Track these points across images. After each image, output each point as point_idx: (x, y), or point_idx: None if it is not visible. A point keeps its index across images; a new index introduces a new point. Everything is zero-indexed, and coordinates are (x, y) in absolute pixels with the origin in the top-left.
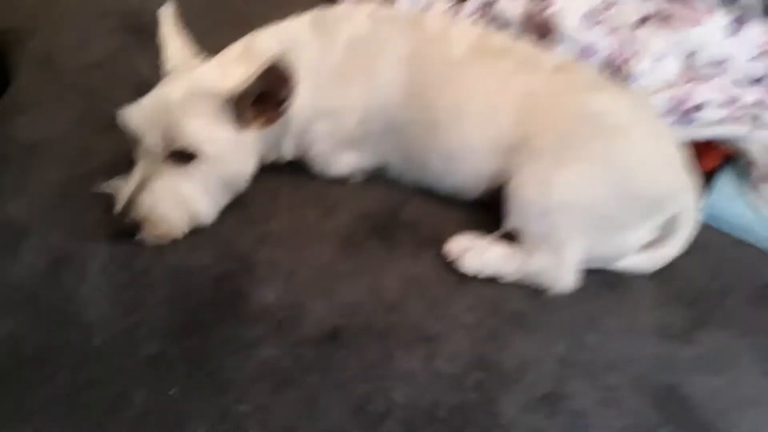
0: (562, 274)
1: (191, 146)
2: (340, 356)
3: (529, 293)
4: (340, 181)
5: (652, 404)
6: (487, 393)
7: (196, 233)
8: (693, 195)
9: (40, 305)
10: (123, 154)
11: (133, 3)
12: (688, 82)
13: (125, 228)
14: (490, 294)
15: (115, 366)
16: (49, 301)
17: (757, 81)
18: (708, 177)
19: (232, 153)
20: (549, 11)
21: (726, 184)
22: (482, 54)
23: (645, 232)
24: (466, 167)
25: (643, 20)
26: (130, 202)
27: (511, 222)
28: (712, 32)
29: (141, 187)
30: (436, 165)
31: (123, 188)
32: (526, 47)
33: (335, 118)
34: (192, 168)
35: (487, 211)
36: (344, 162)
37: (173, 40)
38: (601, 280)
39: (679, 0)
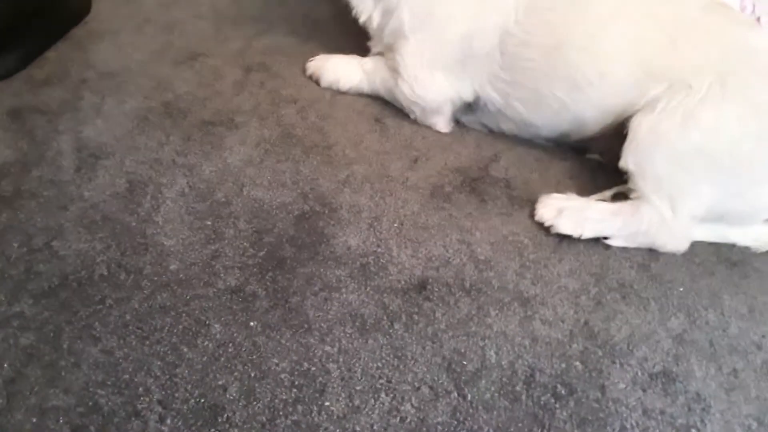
0: (677, 230)
1: None
2: (429, 308)
3: (638, 263)
4: (426, 132)
5: None
6: (592, 363)
7: (277, 170)
8: None
9: (116, 226)
10: (202, 88)
11: None
12: None
13: None
14: (593, 260)
15: (193, 294)
16: (125, 223)
17: None
18: None
19: None
20: None
21: None
22: None
23: None
24: (595, 97)
25: None
26: None
27: (631, 160)
28: None
29: None
30: (557, 94)
31: None
32: None
33: (437, 28)
34: None
35: (585, 171)
36: (434, 84)
37: None
38: (718, 256)
39: None
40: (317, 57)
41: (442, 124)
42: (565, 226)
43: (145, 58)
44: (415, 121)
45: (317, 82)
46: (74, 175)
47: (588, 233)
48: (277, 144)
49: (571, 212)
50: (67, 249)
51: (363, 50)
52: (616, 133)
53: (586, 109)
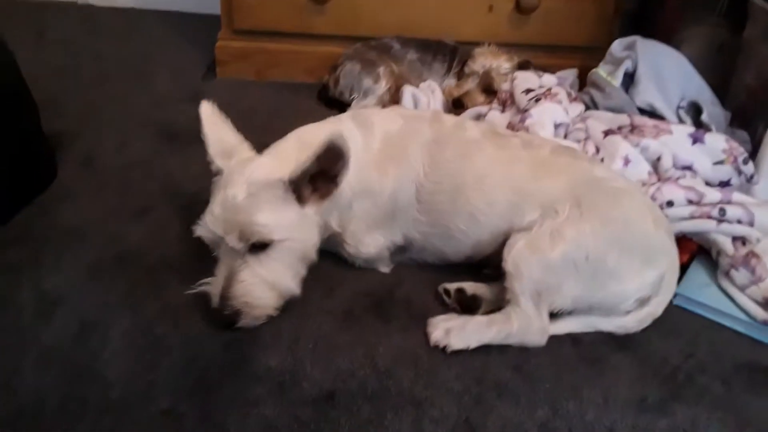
0: (538, 327)
1: (267, 237)
2: (334, 416)
3: (513, 365)
4: (342, 264)
5: None
6: None
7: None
8: (676, 257)
9: (67, 364)
10: (151, 239)
11: (168, 112)
12: (658, 181)
13: (225, 319)
14: (476, 364)
15: (131, 418)
16: (75, 361)
17: (725, 183)
18: (682, 268)
19: (300, 229)
20: (527, 122)
21: (699, 271)
22: (493, 136)
23: (638, 285)
24: (487, 222)
25: (612, 131)
26: (225, 296)
27: (510, 264)
28: (676, 140)
29: (230, 280)
30: (460, 225)
31: (213, 286)
32: (526, 134)
33: (373, 197)
34: (271, 252)
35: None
36: (374, 241)
37: (216, 131)
38: (583, 355)
39: (646, 114)
40: None
41: (384, 267)
42: (456, 344)
43: (102, 216)
44: (334, 258)
45: None
46: (33, 321)
47: (473, 344)
48: None
49: (456, 331)
50: (24, 386)
51: None
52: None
53: (481, 234)
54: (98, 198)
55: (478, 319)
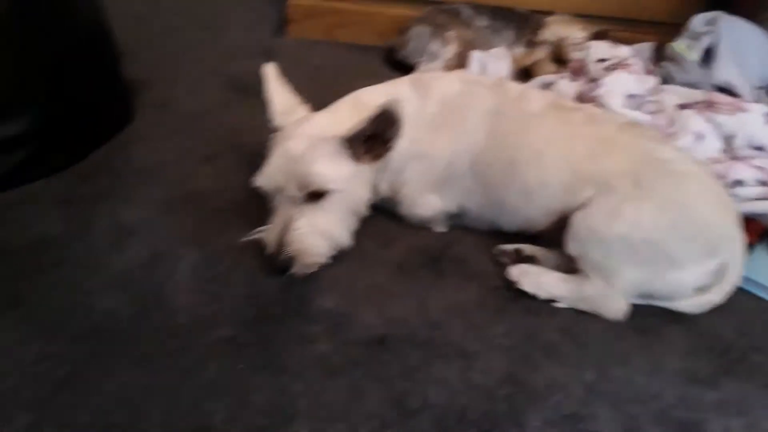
0: (614, 301)
1: (323, 186)
2: (385, 358)
3: (562, 328)
4: (398, 221)
5: None
6: (515, 405)
7: None
8: (741, 245)
9: (137, 289)
10: (219, 182)
11: (238, 65)
12: (729, 160)
13: (279, 265)
14: (526, 323)
15: (195, 341)
16: (145, 287)
17: None
18: (748, 249)
19: (353, 183)
20: (598, 92)
21: (763, 252)
22: (557, 109)
23: (699, 275)
24: (541, 201)
25: (687, 105)
26: (280, 243)
27: (572, 248)
28: (752, 119)
29: (285, 228)
30: (513, 201)
31: (269, 233)
32: (592, 108)
33: (427, 161)
34: (325, 203)
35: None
36: (429, 204)
37: (278, 91)
38: (634, 325)
39: (723, 91)
40: None
41: (439, 227)
42: (526, 285)
43: (174, 157)
44: (389, 214)
45: None
46: (108, 248)
47: (543, 294)
48: None
49: (532, 276)
50: (99, 304)
51: None
52: (560, 227)
53: (534, 210)
54: (170, 141)
55: (555, 274)
